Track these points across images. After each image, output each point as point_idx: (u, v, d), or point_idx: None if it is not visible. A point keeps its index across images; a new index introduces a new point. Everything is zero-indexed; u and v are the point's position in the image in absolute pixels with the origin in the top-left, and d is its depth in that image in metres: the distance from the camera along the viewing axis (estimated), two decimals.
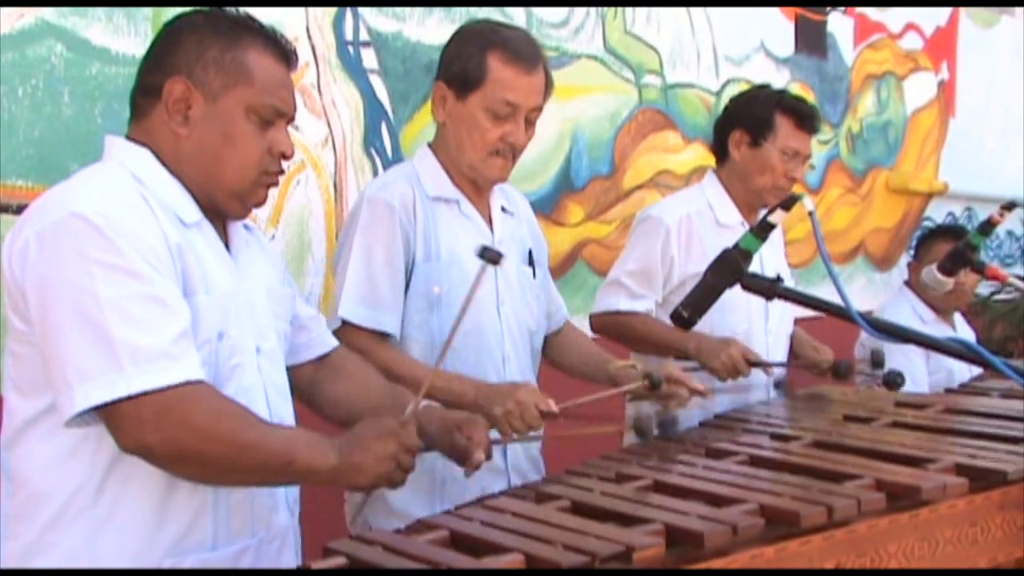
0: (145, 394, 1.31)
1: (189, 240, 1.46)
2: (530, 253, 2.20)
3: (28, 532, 1.40)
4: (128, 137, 1.52)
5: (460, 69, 1.99)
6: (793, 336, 2.74)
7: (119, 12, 2.54)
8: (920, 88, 5.10)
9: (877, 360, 2.48)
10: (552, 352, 2.31)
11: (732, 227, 2.53)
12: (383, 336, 2.00)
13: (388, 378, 1.92)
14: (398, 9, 3.14)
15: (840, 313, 1.49)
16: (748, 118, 2.55)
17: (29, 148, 2.41)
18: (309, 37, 2.97)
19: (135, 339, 1.32)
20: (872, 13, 4.82)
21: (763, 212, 2.16)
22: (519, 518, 1.47)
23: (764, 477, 1.68)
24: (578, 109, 3.70)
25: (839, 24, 4.68)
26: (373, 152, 3.12)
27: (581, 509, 1.53)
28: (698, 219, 2.54)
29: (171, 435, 1.32)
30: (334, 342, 1.81)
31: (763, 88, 2.71)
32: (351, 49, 3.08)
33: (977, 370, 3.28)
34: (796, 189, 2.55)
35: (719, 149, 2.65)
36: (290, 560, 1.57)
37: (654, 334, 2.48)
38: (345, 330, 1.98)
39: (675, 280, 2.50)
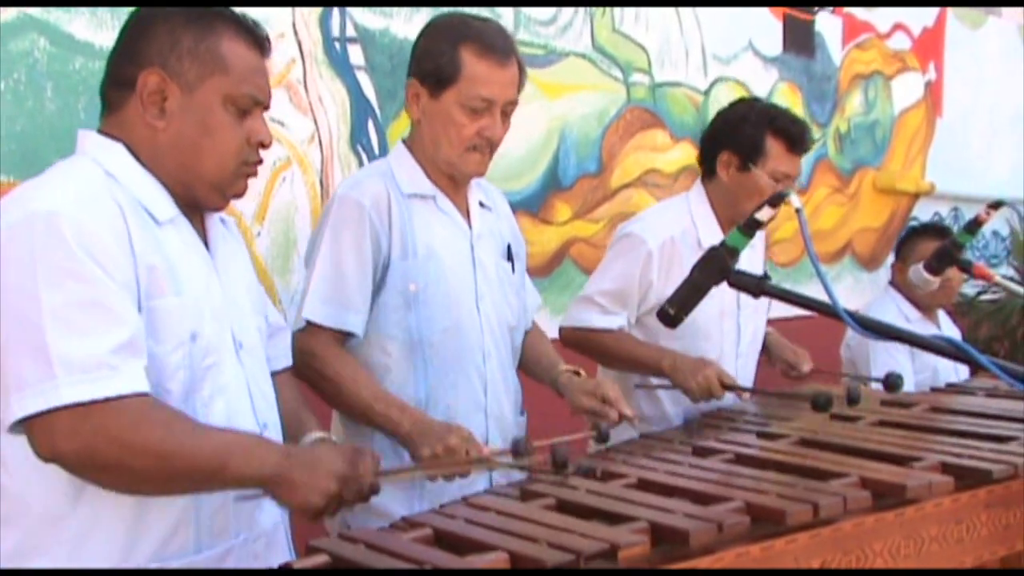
0: (78, 405, 1.27)
1: (159, 239, 1.42)
2: (509, 248, 2.17)
3: (10, 538, 1.37)
4: (101, 131, 1.48)
5: (433, 66, 1.96)
6: (767, 338, 2.68)
7: (103, 6, 2.51)
8: (907, 88, 5.11)
9: (853, 397, 2.34)
10: None
11: None
12: (346, 337, 1.96)
13: (333, 389, 1.91)
14: (385, 6, 3.13)
15: (827, 311, 1.49)
16: (738, 141, 2.43)
17: (11, 143, 2.39)
18: (295, 33, 2.96)
19: (70, 348, 1.27)
20: (860, 13, 4.83)
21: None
22: (503, 516, 1.46)
23: (750, 475, 1.67)
24: (566, 107, 3.69)
25: (827, 24, 4.68)
26: (360, 149, 3.11)
27: (566, 507, 1.52)
28: (681, 242, 2.43)
29: (85, 443, 1.28)
30: (286, 363, 1.78)
31: (754, 105, 2.56)
32: (338, 45, 3.06)
33: (963, 370, 3.30)
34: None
35: (705, 164, 2.54)
36: (279, 558, 1.54)
37: (627, 351, 2.42)
38: (309, 330, 1.94)
39: (651, 301, 2.41)
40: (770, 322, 2.70)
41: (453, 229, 2.04)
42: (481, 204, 2.13)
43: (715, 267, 1.58)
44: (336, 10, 3.04)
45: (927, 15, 5.16)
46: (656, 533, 1.40)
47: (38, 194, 1.36)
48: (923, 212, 5.15)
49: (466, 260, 2.05)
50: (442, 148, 1.99)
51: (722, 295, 1.72)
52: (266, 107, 1.52)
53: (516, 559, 1.30)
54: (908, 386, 3.22)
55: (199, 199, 1.50)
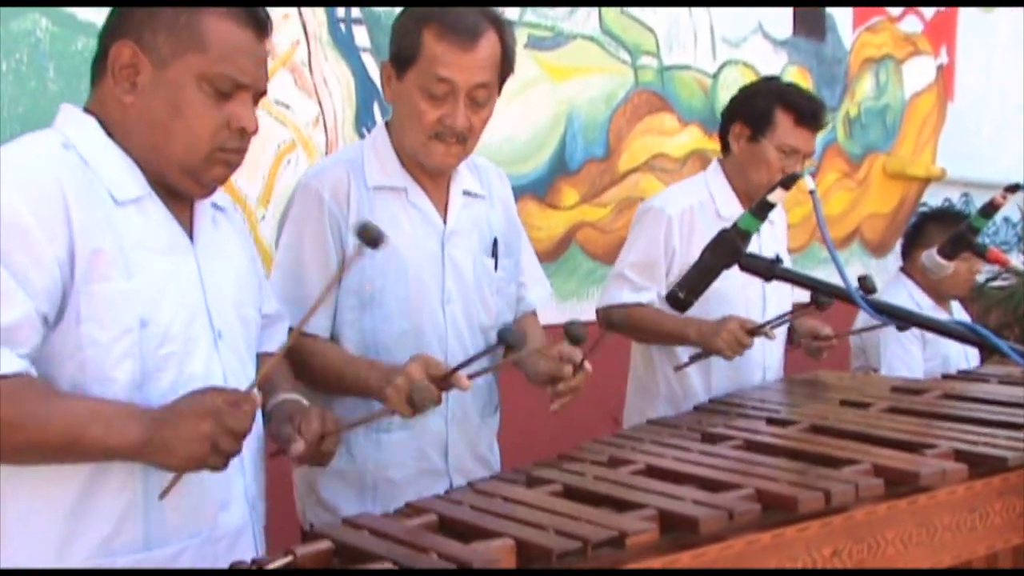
0: None
1: (113, 221, 1.34)
2: (495, 243, 2.03)
3: None
4: (86, 107, 1.42)
5: (397, 46, 1.85)
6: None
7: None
8: (919, 72, 5.06)
9: (868, 286, 2.32)
10: None
11: (733, 220, 2.45)
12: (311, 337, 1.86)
13: (307, 371, 1.83)
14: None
15: (841, 295, 1.46)
16: (748, 112, 2.51)
17: (14, 124, 2.37)
18: (300, 14, 2.93)
19: None
20: None
21: None
22: (510, 502, 1.44)
23: (761, 462, 1.65)
24: (573, 90, 3.66)
25: (838, 7, 4.63)
26: (364, 131, 3.08)
27: (573, 493, 1.50)
28: (700, 211, 2.50)
29: None
30: (273, 348, 1.68)
31: (768, 81, 2.65)
32: (343, 27, 3.03)
33: (974, 358, 3.27)
34: None
35: (723, 139, 2.61)
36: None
37: (655, 324, 2.45)
38: None
39: (675, 272, 2.45)
40: None
41: (423, 225, 1.92)
42: (468, 192, 1.99)
43: (726, 250, 1.55)
44: None
45: None
46: (665, 520, 1.37)
47: None
48: (933, 198, 5.11)
49: (434, 259, 1.92)
50: (407, 135, 1.87)
51: None
52: (258, 92, 1.43)
53: (522, 546, 1.27)
54: (918, 373, 3.19)
55: (171, 183, 1.41)
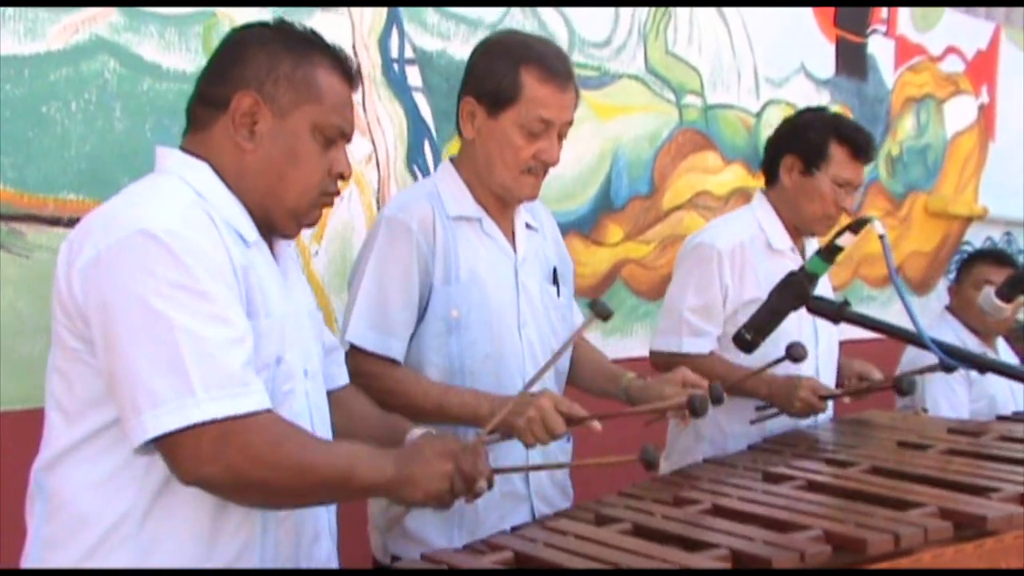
0: (215, 422, 1.28)
1: (251, 260, 1.42)
2: (554, 271, 2.13)
3: (65, 559, 1.35)
4: (184, 149, 1.48)
5: (493, 86, 1.93)
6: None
7: (171, 28, 2.56)
8: (960, 111, 5.06)
9: (906, 388, 2.40)
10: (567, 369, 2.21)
11: (784, 252, 2.50)
12: (393, 362, 1.94)
13: (399, 400, 1.88)
14: (443, 27, 3.16)
15: (909, 338, 1.47)
16: (802, 144, 2.50)
17: (81, 162, 2.43)
18: (355, 54, 2.98)
19: (206, 365, 1.28)
20: (912, 35, 4.80)
21: (820, 236, 2.12)
22: (582, 540, 1.46)
23: (825, 503, 1.66)
24: (618, 129, 3.69)
25: (879, 46, 4.66)
26: (416, 169, 3.13)
27: (644, 532, 1.51)
28: (751, 246, 2.49)
29: (230, 463, 1.29)
30: (345, 379, 1.76)
31: (819, 112, 2.63)
32: (396, 67, 3.09)
33: (1021, 398, 3.25)
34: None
35: (769, 171, 2.60)
36: None
37: (722, 377, 2.35)
38: (353, 354, 1.92)
39: (728, 310, 2.45)
40: None
41: (497, 253, 2.01)
42: (528, 226, 2.10)
43: (793, 292, 1.58)
44: (395, 32, 3.08)
45: (981, 38, 5.12)
46: (737, 560, 1.38)
47: (141, 212, 1.35)
48: (976, 236, 5.09)
49: (509, 285, 2.01)
50: (497, 170, 1.96)
51: None
52: (349, 139, 1.53)
53: None
54: (963, 413, 3.18)
55: (275, 224, 1.49)
